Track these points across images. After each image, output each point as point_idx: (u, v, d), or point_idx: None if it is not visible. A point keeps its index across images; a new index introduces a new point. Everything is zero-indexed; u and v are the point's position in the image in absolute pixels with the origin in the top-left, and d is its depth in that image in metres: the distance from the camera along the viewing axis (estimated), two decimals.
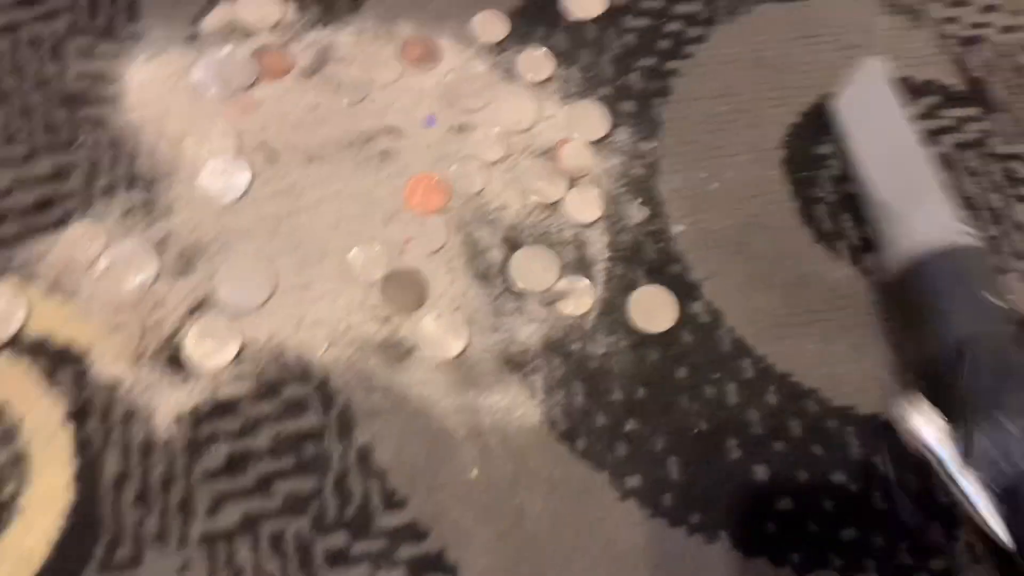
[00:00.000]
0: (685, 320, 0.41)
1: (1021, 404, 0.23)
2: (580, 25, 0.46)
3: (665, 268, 0.42)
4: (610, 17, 0.47)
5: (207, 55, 0.44)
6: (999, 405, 0.23)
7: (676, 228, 0.42)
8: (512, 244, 0.41)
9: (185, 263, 0.40)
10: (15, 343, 0.38)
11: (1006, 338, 0.27)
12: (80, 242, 0.39)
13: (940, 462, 0.22)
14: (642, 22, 0.47)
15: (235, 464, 0.37)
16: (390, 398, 0.38)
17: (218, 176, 0.41)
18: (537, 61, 0.45)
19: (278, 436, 0.37)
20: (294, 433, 0.37)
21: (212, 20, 0.45)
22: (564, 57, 0.46)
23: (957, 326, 0.27)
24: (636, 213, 0.42)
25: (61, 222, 0.40)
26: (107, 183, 0.41)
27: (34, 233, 0.40)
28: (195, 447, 0.37)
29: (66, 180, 0.41)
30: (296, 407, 0.38)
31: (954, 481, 0.21)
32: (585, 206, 0.42)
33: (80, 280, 0.39)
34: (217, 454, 0.37)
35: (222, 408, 0.37)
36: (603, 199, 0.42)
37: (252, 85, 0.43)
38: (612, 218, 0.42)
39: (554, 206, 0.42)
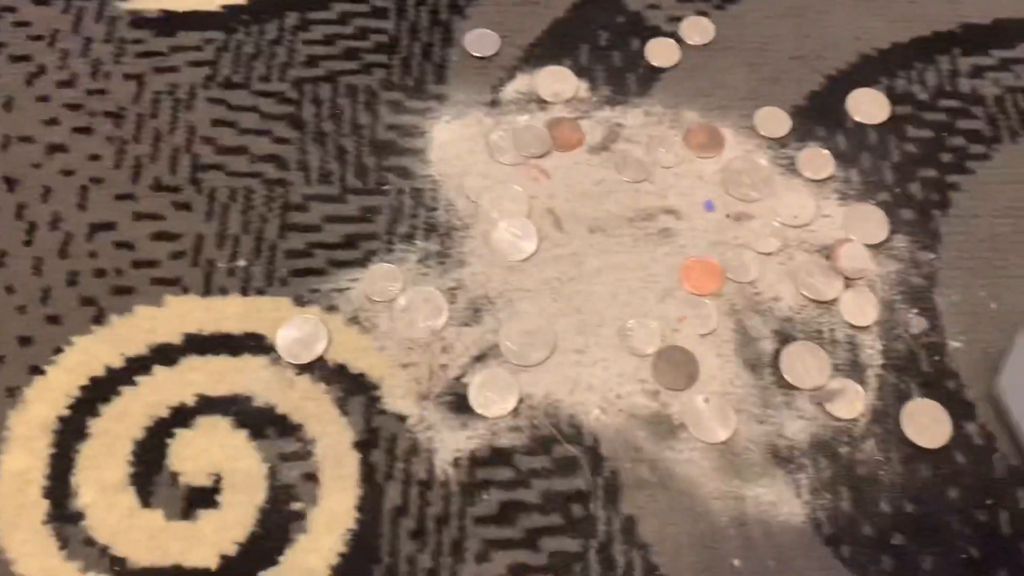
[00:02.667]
0: (959, 439, 0.40)
1: None
2: (862, 129, 0.47)
3: (940, 383, 0.41)
4: (892, 124, 0.47)
5: (505, 121, 0.46)
6: None
7: (953, 344, 0.42)
8: (783, 337, 0.42)
9: (473, 313, 0.42)
10: (315, 368, 0.40)
11: None
12: (380, 281, 0.42)
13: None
14: (925, 133, 0.47)
15: (506, 514, 0.38)
16: (656, 473, 0.39)
17: (509, 236, 0.43)
18: (818, 160, 0.46)
19: (548, 493, 0.38)
20: (563, 492, 0.38)
21: (511, 90, 0.47)
22: (844, 159, 0.46)
23: None
24: (912, 323, 0.42)
25: (364, 261, 0.43)
26: (407, 230, 0.44)
27: (339, 267, 0.43)
28: (470, 491, 0.38)
29: (371, 222, 0.44)
30: (566, 467, 0.39)
31: None
32: (860, 309, 0.42)
33: (378, 316, 0.41)
34: (490, 502, 0.38)
35: (498, 457, 0.39)
36: (879, 304, 0.42)
37: (544, 155, 0.46)
38: (887, 325, 0.42)
39: (828, 305, 0.42)
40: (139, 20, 0.48)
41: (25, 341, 0.41)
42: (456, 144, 0.46)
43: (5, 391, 0.40)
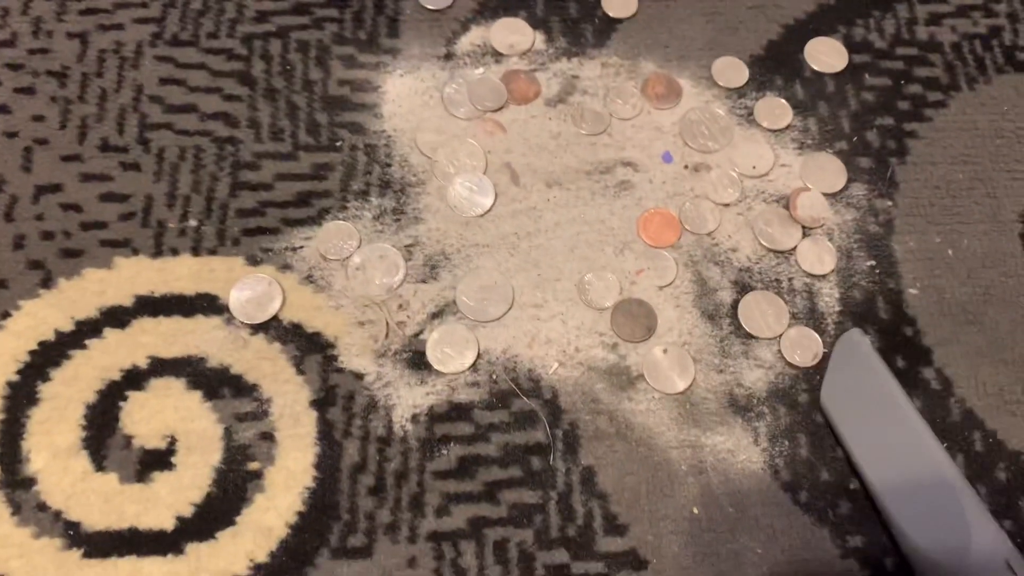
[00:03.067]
0: (915, 384, 0.40)
1: None
2: (819, 78, 0.47)
3: (897, 329, 0.41)
4: (850, 73, 0.47)
5: (460, 75, 0.46)
6: None
7: (910, 290, 0.42)
8: (741, 287, 0.42)
9: (429, 270, 0.41)
10: (270, 327, 0.40)
11: None
12: (334, 239, 0.41)
13: None
14: (882, 81, 0.47)
15: (465, 468, 0.38)
16: (615, 424, 0.39)
17: (465, 191, 0.43)
18: (776, 109, 0.46)
19: (507, 446, 0.38)
20: (522, 445, 0.38)
21: (466, 42, 0.47)
22: (802, 108, 0.46)
23: None
24: (869, 270, 0.42)
25: (317, 219, 0.42)
26: (362, 186, 0.43)
27: (292, 226, 0.42)
28: (429, 446, 0.38)
29: (324, 180, 0.43)
30: (525, 420, 0.39)
31: None
32: (818, 257, 0.42)
33: (333, 275, 0.41)
34: (449, 456, 0.38)
35: (456, 412, 0.39)
36: (836, 252, 0.42)
37: (500, 108, 0.45)
38: (844, 272, 0.42)
39: (786, 254, 0.42)
40: None
41: None
42: (410, 98, 0.45)
43: None
